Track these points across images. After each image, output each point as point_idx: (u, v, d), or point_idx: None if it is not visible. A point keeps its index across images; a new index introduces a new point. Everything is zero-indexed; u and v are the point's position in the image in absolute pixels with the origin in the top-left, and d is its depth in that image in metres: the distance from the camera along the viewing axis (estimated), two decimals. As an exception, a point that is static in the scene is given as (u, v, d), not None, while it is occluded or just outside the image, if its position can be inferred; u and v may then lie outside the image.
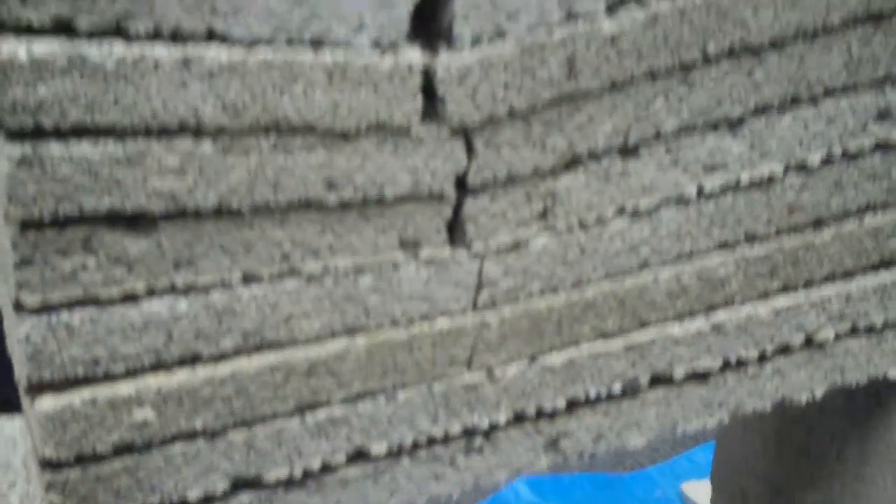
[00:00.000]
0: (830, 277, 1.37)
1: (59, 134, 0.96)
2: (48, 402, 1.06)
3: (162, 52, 0.95)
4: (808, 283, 1.36)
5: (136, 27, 0.95)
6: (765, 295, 1.35)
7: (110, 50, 0.94)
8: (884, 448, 1.57)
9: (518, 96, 1.08)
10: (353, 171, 1.07)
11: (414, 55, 1.03)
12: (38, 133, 0.95)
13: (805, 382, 1.42)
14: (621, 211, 1.21)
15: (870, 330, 1.43)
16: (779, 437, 1.81)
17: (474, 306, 1.19)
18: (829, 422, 1.69)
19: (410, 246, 1.14)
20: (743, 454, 1.92)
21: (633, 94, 1.14)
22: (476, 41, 1.05)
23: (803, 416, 1.74)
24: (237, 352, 1.12)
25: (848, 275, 1.38)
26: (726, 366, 1.37)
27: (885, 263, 1.39)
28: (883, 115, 1.27)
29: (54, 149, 0.96)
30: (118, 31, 0.95)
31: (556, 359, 1.26)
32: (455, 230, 1.16)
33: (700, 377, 1.36)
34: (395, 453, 1.24)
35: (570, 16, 1.07)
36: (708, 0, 1.12)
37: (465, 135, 1.09)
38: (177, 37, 0.97)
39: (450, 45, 1.04)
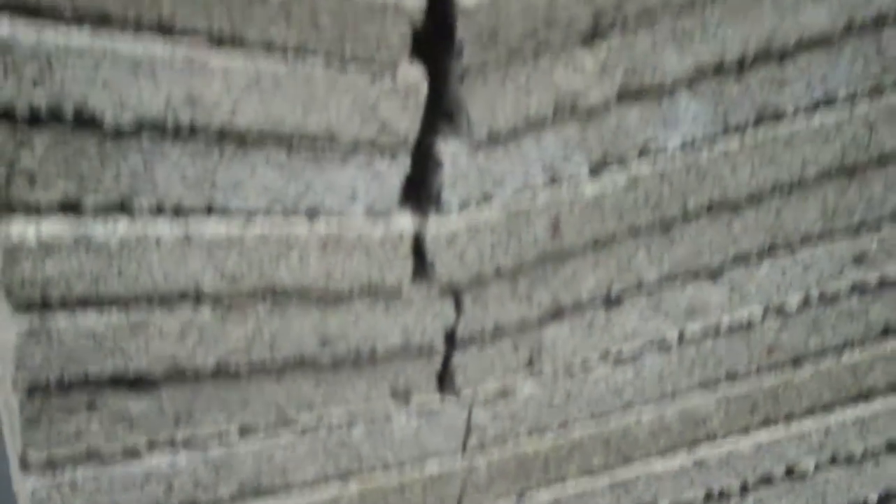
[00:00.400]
0: (810, 411, 1.42)
1: (65, 306, 1.01)
2: (51, 556, 1.10)
3: (164, 228, 1.00)
4: (789, 418, 1.41)
5: (140, 203, 0.99)
6: (746, 430, 1.39)
7: (114, 228, 0.99)
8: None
9: (504, 256, 1.13)
10: (346, 330, 1.11)
11: (405, 222, 1.08)
12: (45, 305, 1.00)
13: (787, 511, 1.47)
14: (605, 357, 1.26)
15: (849, 459, 1.47)
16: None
17: (463, 450, 1.24)
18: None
19: (401, 395, 1.19)
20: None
21: (615, 250, 1.19)
22: (463, 206, 1.09)
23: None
24: (234, 499, 1.17)
25: (827, 408, 1.43)
26: (709, 497, 1.41)
27: (863, 396, 1.44)
28: (859, 260, 1.32)
29: (60, 320, 1.00)
30: (123, 207, 0.99)
31: (543, 496, 1.31)
32: (445, 379, 1.20)
33: (684, 508, 1.40)
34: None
35: (554, 179, 1.12)
36: (687, 161, 1.16)
37: (454, 293, 1.14)
38: (179, 211, 1.01)
39: (438, 210, 1.09)
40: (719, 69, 1.13)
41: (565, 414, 1.27)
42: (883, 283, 1.35)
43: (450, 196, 1.08)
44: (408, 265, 1.09)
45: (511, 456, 1.27)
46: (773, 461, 1.41)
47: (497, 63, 1.04)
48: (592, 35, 1.06)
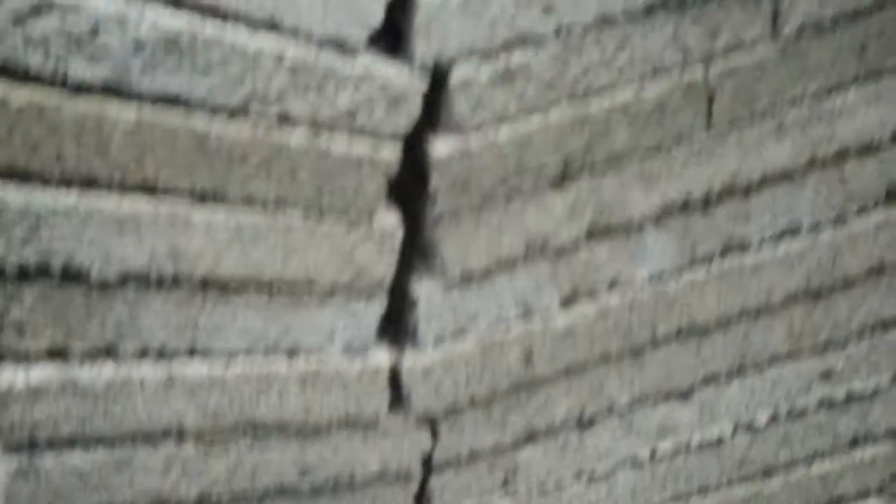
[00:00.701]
0: (781, 520, 1.45)
1: (53, 446, 1.05)
2: None
3: (148, 371, 1.05)
4: (760, 527, 1.44)
5: (125, 348, 1.03)
6: (718, 540, 1.43)
7: (100, 372, 1.03)
8: None
9: (479, 386, 1.17)
10: (325, 459, 1.15)
11: (381, 357, 1.12)
12: (33, 446, 1.04)
13: None
14: (579, 476, 1.30)
15: (821, 564, 1.51)
16: None
17: (441, 568, 1.27)
18: None
19: (380, 519, 1.22)
20: None
21: (587, 376, 1.23)
22: (439, 341, 1.14)
23: None
24: None
25: (798, 516, 1.46)
26: None
27: (833, 503, 1.47)
28: (826, 376, 1.36)
29: (48, 459, 1.04)
30: (108, 352, 1.03)
31: None
32: (422, 501, 1.24)
33: None
34: None
35: (527, 312, 1.16)
36: (655, 292, 1.20)
37: (431, 421, 1.18)
38: (162, 354, 1.05)
39: (414, 345, 1.13)
40: (685, 206, 1.17)
41: (540, 531, 1.31)
42: (850, 398, 1.39)
43: (425, 332, 1.12)
44: (384, 397, 1.13)
45: (488, 572, 1.30)
46: (745, 569, 1.45)
47: (470, 208, 1.08)
48: (562, 179, 1.11)
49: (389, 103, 1.01)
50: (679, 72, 1.10)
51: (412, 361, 1.12)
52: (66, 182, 0.95)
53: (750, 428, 1.35)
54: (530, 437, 1.24)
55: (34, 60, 0.89)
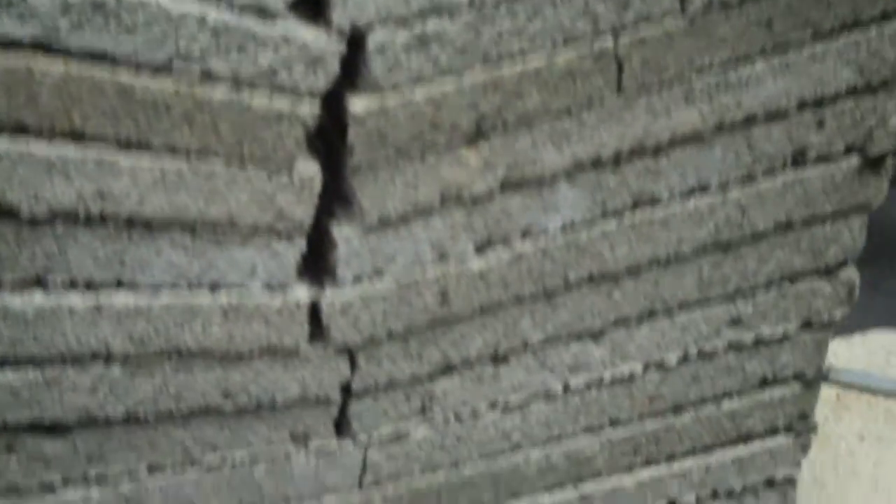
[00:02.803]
0: (691, 452, 1.53)
1: (-14, 364, 1.12)
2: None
3: (76, 300, 1.12)
4: (670, 458, 1.52)
5: (55, 280, 1.11)
6: (629, 469, 1.51)
7: (30, 299, 1.10)
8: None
9: (396, 322, 1.25)
10: (247, 384, 1.23)
11: (301, 293, 1.20)
12: (-34, 364, 1.12)
13: (669, 538, 1.59)
14: (494, 405, 1.38)
15: (730, 494, 1.59)
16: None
17: (360, 486, 1.36)
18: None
19: (301, 439, 1.31)
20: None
21: (501, 316, 1.31)
22: (357, 280, 1.21)
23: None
24: (144, 528, 1.29)
25: (707, 449, 1.54)
26: (594, 527, 1.53)
27: (742, 438, 1.55)
28: (735, 322, 1.43)
29: (-19, 377, 1.12)
30: (38, 283, 1.10)
31: (435, 526, 1.43)
32: (342, 424, 1.32)
33: (569, 537, 1.53)
34: None
35: (443, 256, 1.23)
36: (567, 241, 1.27)
37: (349, 352, 1.26)
38: (90, 286, 1.12)
39: (334, 283, 1.20)
40: (596, 163, 1.24)
41: (456, 455, 1.39)
42: (759, 342, 1.46)
43: (344, 272, 1.19)
44: (304, 329, 1.21)
45: (405, 491, 1.39)
46: (654, 497, 1.53)
47: (386, 160, 1.15)
48: (476, 136, 1.17)
49: (308, 64, 1.07)
50: (589, 41, 1.15)
51: (331, 297, 1.19)
52: (-2, 127, 1.00)
53: (661, 367, 1.42)
54: (446, 369, 1.31)
55: (-32, 15, 0.95)
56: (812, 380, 1.53)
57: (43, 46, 0.99)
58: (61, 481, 1.21)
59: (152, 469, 1.25)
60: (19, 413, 1.14)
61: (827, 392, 1.86)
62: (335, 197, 1.18)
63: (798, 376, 1.52)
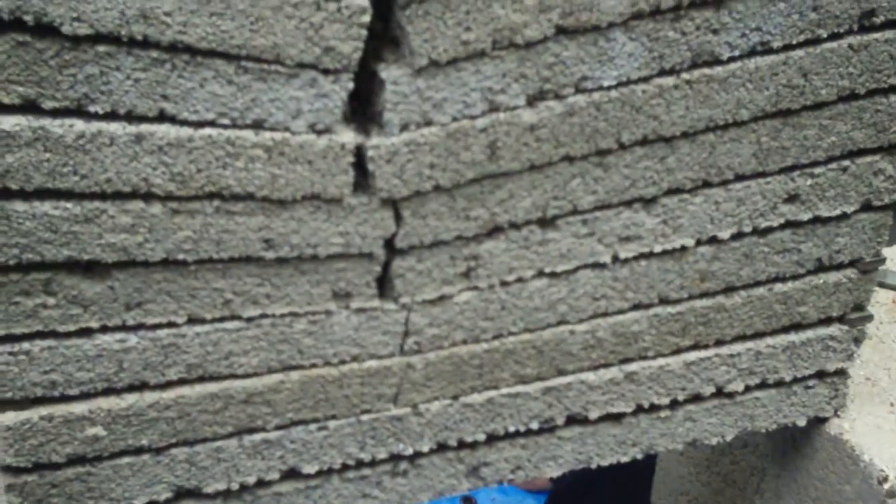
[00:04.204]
0: (741, 337, 1.49)
1: (24, 195, 1.09)
2: (9, 417, 1.20)
3: (117, 128, 1.08)
4: (719, 341, 1.48)
5: (95, 109, 1.07)
6: (677, 350, 1.46)
7: (71, 126, 1.06)
8: (794, 486, 1.69)
9: (443, 175, 1.20)
10: (289, 233, 1.19)
11: (347, 136, 1.16)
12: (4, 194, 1.08)
13: (716, 428, 1.55)
14: (540, 273, 1.33)
15: (779, 384, 1.55)
16: (708, 465, 1.93)
17: (401, 351, 1.32)
18: (751, 457, 1.81)
19: (342, 297, 1.27)
20: (679, 476, 2.04)
21: (551, 175, 1.26)
22: (404, 127, 1.17)
23: (730, 448, 1.86)
24: (181, 381, 1.26)
25: (758, 335, 1.50)
26: (639, 409, 1.49)
27: (794, 326, 1.51)
28: (792, 198, 1.38)
29: (19, 207, 1.09)
30: (79, 111, 1.07)
31: (477, 398, 1.39)
32: (384, 284, 1.28)
33: (614, 418, 1.49)
34: (326, 472, 1.38)
35: (493, 106, 1.19)
36: (622, 95, 1.23)
37: (394, 205, 1.22)
38: (131, 118, 1.09)
39: (380, 129, 1.16)
40: (655, 12, 1.19)
41: (500, 323, 1.35)
42: (816, 221, 1.41)
43: (391, 117, 1.15)
44: (349, 176, 1.17)
45: (447, 358, 1.34)
46: (702, 382, 1.49)
47: (438, -4, 1.10)
48: (532, -26, 1.12)
49: None
50: None
51: (377, 143, 1.15)
52: (39, -65, 0.96)
53: (713, 241, 1.38)
54: (493, 230, 1.27)
55: None
56: (869, 268, 1.47)
57: None
58: (98, 326, 1.18)
59: (191, 319, 1.22)
60: (57, 250, 1.11)
61: (882, 295, 1.80)
62: (384, 40, 1.13)
63: (854, 262, 1.47)
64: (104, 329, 1.19)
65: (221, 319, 1.23)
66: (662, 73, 1.23)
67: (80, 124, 1.06)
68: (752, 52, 1.26)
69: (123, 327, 1.19)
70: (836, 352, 1.52)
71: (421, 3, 1.09)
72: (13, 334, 1.15)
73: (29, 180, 1.06)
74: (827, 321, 1.51)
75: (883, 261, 1.48)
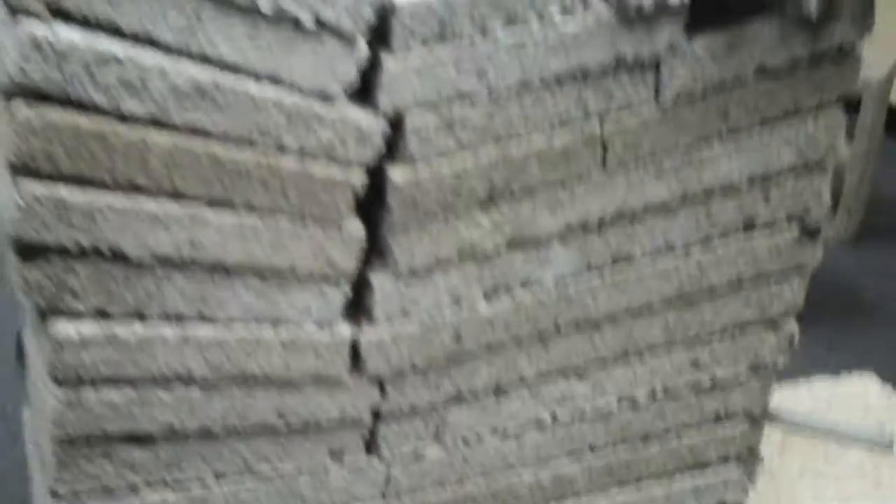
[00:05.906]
0: (656, 476, 1.73)
1: (93, 383, 1.31)
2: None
3: (168, 331, 1.31)
4: (639, 481, 1.72)
5: (152, 312, 1.30)
6: (604, 489, 1.70)
7: (133, 330, 1.29)
8: None
9: (419, 357, 1.44)
10: (297, 407, 1.42)
11: (345, 331, 1.39)
12: (79, 382, 1.31)
13: (637, 554, 1.78)
14: (495, 432, 1.57)
15: (688, 515, 1.78)
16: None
17: (383, 497, 1.55)
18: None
19: (337, 455, 1.50)
20: None
21: (503, 354, 1.51)
22: (388, 320, 1.41)
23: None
24: (208, 527, 1.47)
25: (670, 475, 1.74)
26: (575, 541, 1.72)
27: (699, 466, 1.75)
28: (695, 364, 1.64)
29: (89, 394, 1.31)
30: (139, 315, 1.30)
31: (444, 535, 1.62)
32: (371, 444, 1.51)
33: (555, 549, 1.72)
34: None
35: (457, 302, 1.44)
36: (558, 290, 1.48)
37: (380, 382, 1.45)
38: (179, 319, 1.32)
39: (370, 321, 1.41)
40: (584, 227, 1.45)
41: (462, 473, 1.58)
42: (714, 383, 1.67)
43: (378, 312, 1.40)
44: (346, 362, 1.40)
45: (420, 502, 1.57)
46: (626, 515, 1.72)
47: (417, 220, 1.35)
48: (488, 202, 1.38)
49: (358, 140, 1.28)
50: (581, 126, 1.37)
51: (368, 335, 1.39)
52: (115, 187, 1.20)
53: (632, 402, 1.63)
54: (457, 398, 1.50)
55: (98, 98, 1.16)
56: (758, 417, 1.73)
57: (155, 122, 1.19)
58: (144, 484, 1.39)
59: (218, 476, 1.43)
60: (116, 425, 1.32)
61: (773, 433, 2.05)
62: (373, 251, 1.38)
63: (747, 414, 1.72)
64: (148, 486, 1.39)
65: (241, 475, 1.44)
66: (590, 271, 1.48)
67: (139, 329, 1.28)
68: (659, 252, 1.51)
69: (164, 484, 1.40)
70: (733, 488, 1.77)
71: (403, 227, 1.34)
72: (77, 493, 1.36)
73: (98, 372, 1.28)
74: (725, 461, 1.76)
75: (772, 416, 1.73)
